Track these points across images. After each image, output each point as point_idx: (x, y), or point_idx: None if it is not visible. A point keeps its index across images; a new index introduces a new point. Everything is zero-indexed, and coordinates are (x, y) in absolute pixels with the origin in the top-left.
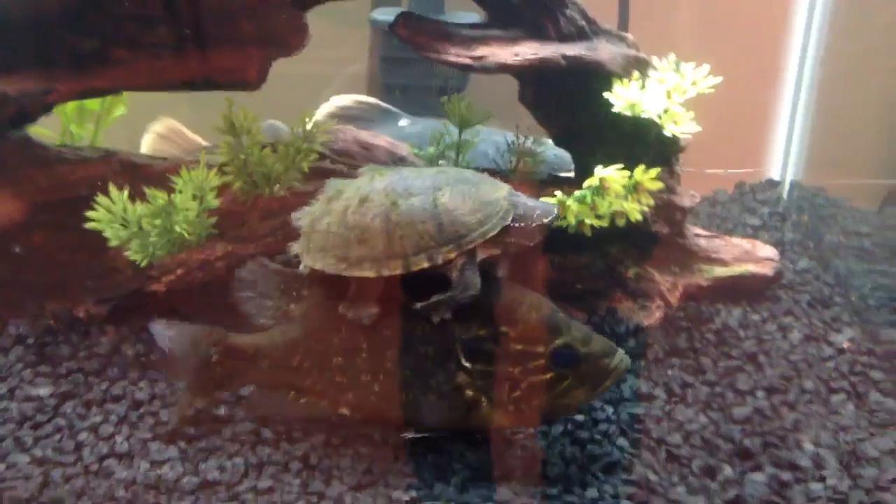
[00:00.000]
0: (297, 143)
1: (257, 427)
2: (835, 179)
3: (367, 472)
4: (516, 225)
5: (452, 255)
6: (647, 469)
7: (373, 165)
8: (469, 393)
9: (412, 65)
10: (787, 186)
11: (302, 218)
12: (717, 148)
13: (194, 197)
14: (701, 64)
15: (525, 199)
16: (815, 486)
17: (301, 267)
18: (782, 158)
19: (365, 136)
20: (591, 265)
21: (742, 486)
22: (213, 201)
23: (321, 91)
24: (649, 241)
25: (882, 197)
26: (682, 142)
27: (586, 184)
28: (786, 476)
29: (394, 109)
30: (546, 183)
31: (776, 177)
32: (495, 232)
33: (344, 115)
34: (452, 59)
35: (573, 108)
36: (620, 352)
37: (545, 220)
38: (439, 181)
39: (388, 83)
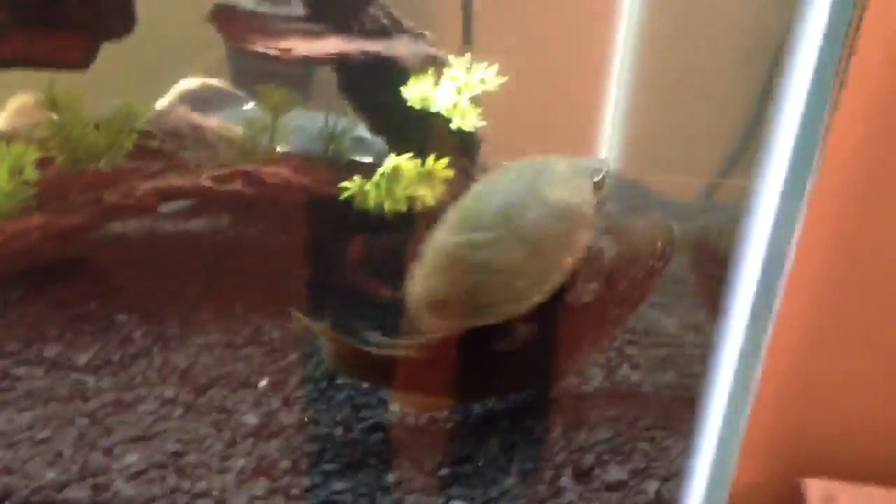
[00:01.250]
0: (118, 121)
1: (52, 384)
2: (656, 175)
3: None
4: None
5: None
6: None
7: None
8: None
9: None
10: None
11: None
12: (547, 142)
13: (10, 170)
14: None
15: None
16: None
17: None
18: (606, 153)
19: (195, 117)
20: (401, 245)
21: None
22: (32, 174)
23: (183, 73)
24: None
25: (704, 192)
26: (478, 135)
27: (380, 170)
28: None
29: (241, 95)
30: (351, 166)
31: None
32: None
33: (193, 98)
34: (260, 49)
35: (380, 100)
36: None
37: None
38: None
39: (236, 69)
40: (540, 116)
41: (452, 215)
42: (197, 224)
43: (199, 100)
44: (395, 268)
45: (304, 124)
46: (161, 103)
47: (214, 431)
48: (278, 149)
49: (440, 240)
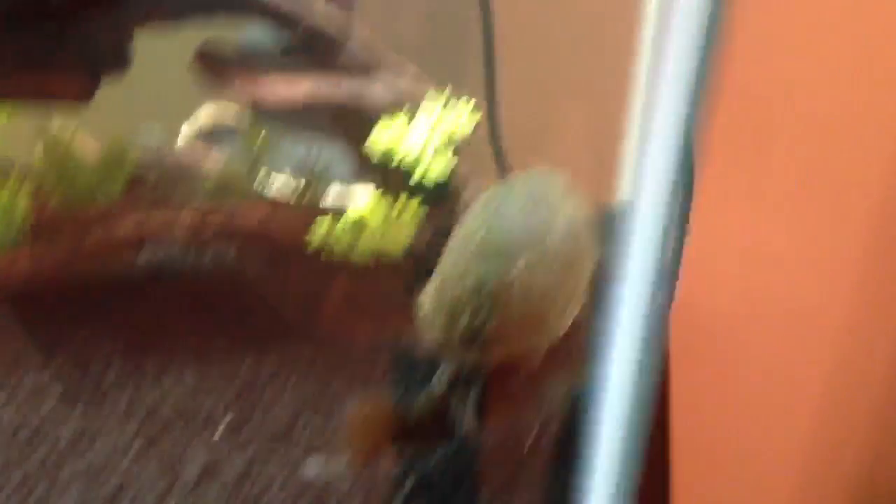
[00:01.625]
0: (110, 157)
1: (25, 414)
2: None
3: None
4: None
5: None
6: None
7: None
8: None
9: None
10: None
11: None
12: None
13: (3, 207)
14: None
15: None
16: None
17: None
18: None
19: (196, 152)
20: (381, 288)
21: None
22: (24, 211)
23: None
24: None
25: None
26: (453, 179)
27: (342, 219)
28: None
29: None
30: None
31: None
32: None
33: (205, 128)
34: (236, 93)
35: (356, 142)
36: None
37: None
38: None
39: None
40: (563, 140)
41: (475, 243)
42: (205, 259)
43: (212, 129)
44: (375, 311)
45: (305, 155)
46: (185, 128)
47: (158, 472)
48: (271, 181)
49: (481, 271)
